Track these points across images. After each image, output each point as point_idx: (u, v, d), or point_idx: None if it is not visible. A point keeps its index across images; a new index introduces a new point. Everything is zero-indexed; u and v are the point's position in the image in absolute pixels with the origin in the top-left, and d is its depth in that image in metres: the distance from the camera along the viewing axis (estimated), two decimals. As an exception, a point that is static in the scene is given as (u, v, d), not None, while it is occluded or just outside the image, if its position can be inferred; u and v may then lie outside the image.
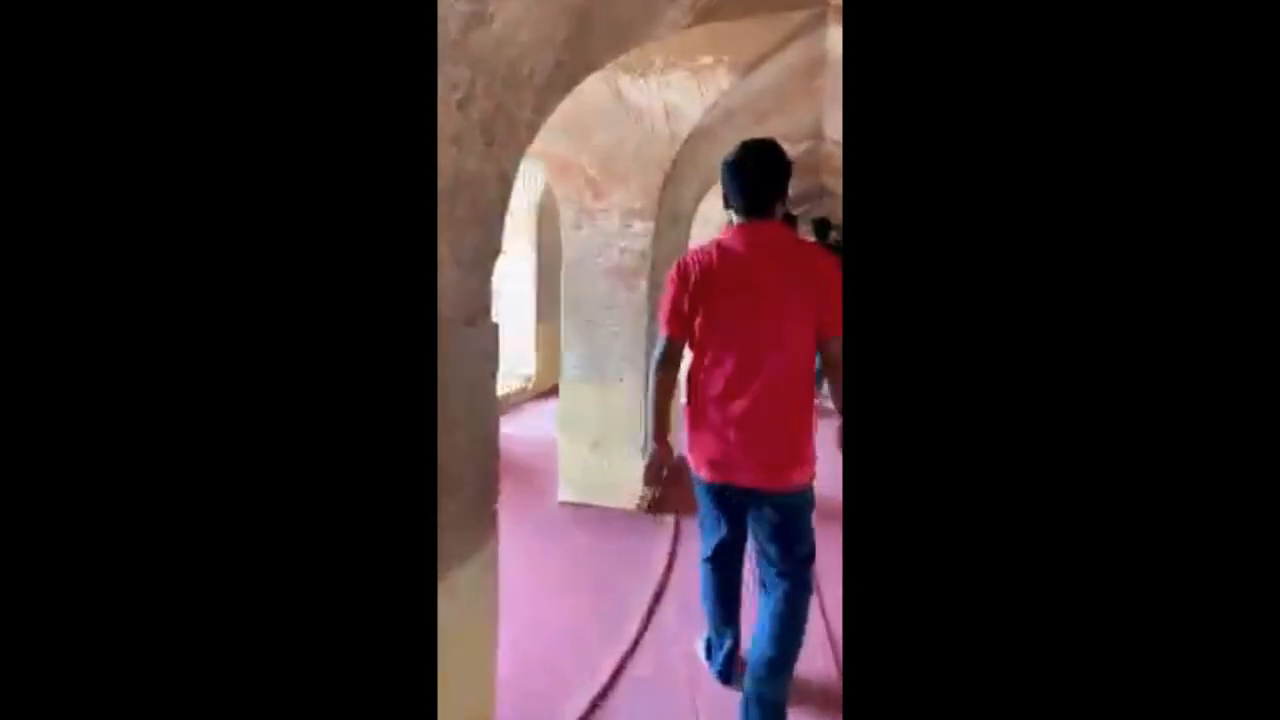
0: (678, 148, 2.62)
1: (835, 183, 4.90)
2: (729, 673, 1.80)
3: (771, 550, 1.58)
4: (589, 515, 2.94)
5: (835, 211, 6.87)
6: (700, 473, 1.59)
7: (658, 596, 2.34)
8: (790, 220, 5.08)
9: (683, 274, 1.54)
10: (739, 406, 1.49)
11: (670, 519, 2.94)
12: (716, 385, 1.51)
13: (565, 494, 3.07)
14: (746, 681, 1.60)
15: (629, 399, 2.95)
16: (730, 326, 1.50)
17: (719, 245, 1.54)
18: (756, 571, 1.68)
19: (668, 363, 1.60)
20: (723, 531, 1.68)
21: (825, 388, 1.72)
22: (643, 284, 2.88)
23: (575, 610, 2.23)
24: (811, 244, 1.68)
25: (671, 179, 2.77)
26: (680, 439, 1.72)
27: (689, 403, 1.59)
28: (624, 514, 2.98)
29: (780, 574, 1.58)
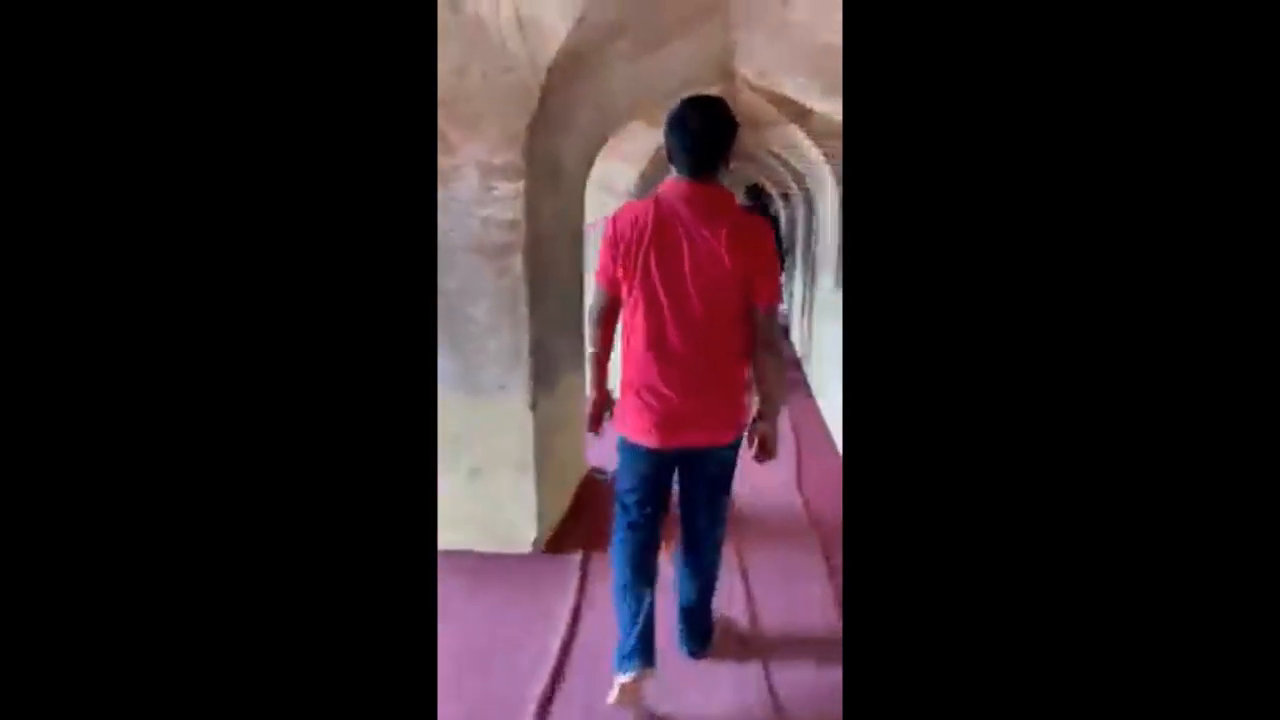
0: (542, 78, 1.96)
1: (755, 138, 4.32)
2: (647, 648, 1.59)
3: (701, 504, 1.65)
4: (468, 566, 2.28)
5: (762, 176, 6.41)
6: (636, 437, 1.56)
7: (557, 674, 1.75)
8: (755, 194, 4.90)
9: (616, 228, 1.50)
10: (670, 368, 1.48)
11: (575, 558, 2.33)
12: (649, 344, 1.49)
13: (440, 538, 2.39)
14: (680, 615, 1.80)
15: (514, 413, 2.29)
16: (665, 283, 1.46)
17: (656, 200, 1.49)
18: (679, 545, 1.74)
19: (603, 316, 1.60)
20: (650, 496, 1.63)
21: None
22: (516, 264, 2.21)
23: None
24: (752, 215, 1.61)
25: (542, 123, 2.10)
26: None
27: (623, 364, 1.56)
28: (514, 560, 2.34)
29: (706, 528, 1.68)
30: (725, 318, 1.47)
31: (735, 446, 1.61)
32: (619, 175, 4.24)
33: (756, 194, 5.11)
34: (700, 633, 1.81)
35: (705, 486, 1.64)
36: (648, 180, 4.31)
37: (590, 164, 2.89)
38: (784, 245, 6.12)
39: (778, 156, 5.07)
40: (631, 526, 1.65)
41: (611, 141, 3.21)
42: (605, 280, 1.55)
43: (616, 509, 1.69)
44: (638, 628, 1.58)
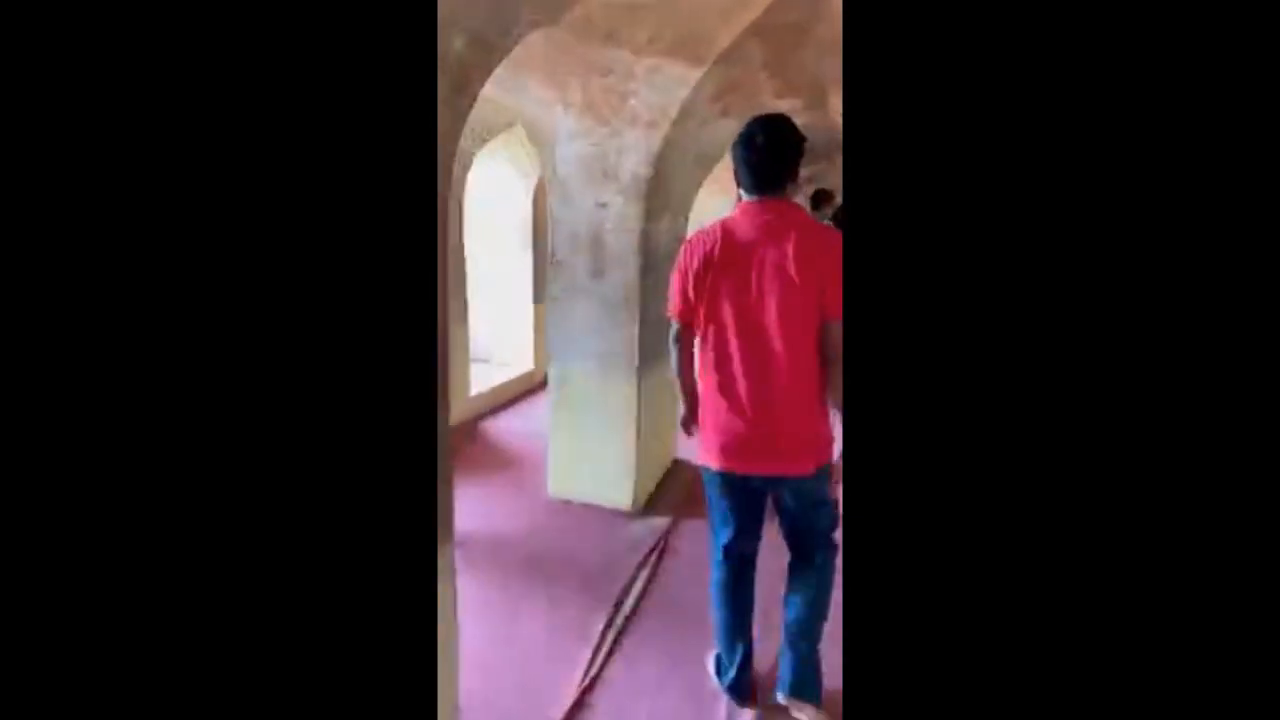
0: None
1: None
2: (743, 690, 1.69)
3: (796, 531, 1.59)
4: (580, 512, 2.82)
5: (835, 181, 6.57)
6: (710, 462, 1.55)
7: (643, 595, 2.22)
8: (822, 198, 4.61)
9: (686, 255, 1.51)
10: (748, 392, 1.45)
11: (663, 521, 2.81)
12: (723, 371, 1.48)
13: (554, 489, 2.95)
14: (782, 634, 1.65)
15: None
16: (734, 309, 1.45)
17: (723, 225, 1.48)
18: (787, 567, 1.66)
19: (681, 345, 1.59)
20: (734, 525, 1.61)
21: None
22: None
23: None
24: (820, 224, 1.54)
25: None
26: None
27: (702, 394, 1.56)
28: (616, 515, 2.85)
29: (807, 547, 1.59)
30: (797, 338, 1.41)
31: (819, 478, 1.49)
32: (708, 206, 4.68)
33: (821, 201, 4.74)
34: (796, 674, 1.63)
35: (789, 518, 1.57)
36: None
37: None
38: None
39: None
40: (718, 557, 1.66)
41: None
42: (676, 310, 1.54)
43: (711, 539, 1.69)
44: (732, 674, 1.68)
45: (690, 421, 1.66)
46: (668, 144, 2.53)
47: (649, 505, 2.97)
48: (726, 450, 1.50)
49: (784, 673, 1.65)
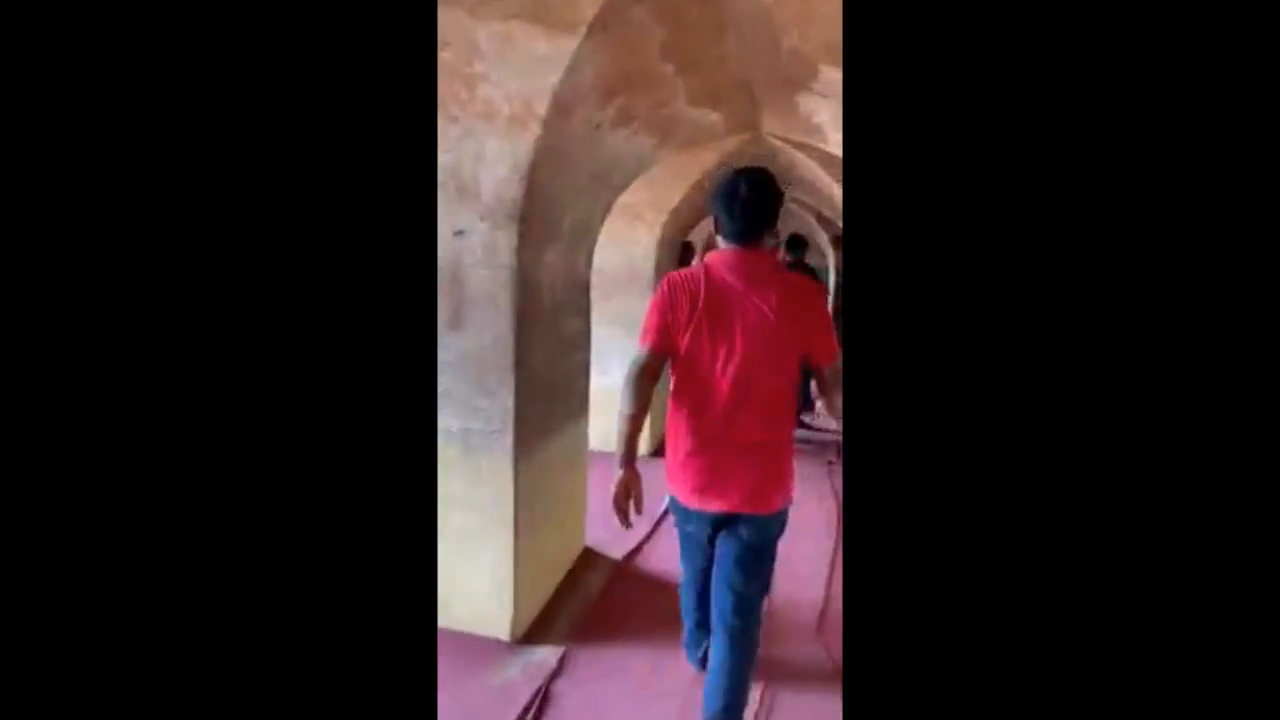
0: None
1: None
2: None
3: (735, 574, 1.58)
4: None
5: (802, 227, 6.24)
6: (681, 498, 1.60)
7: None
8: (797, 244, 4.49)
9: (670, 290, 1.52)
10: (721, 432, 1.49)
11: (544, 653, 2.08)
12: (699, 408, 1.51)
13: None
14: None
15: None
16: (716, 351, 1.48)
17: (706, 268, 1.52)
18: (713, 606, 1.65)
19: (644, 376, 1.55)
20: (702, 558, 1.69)
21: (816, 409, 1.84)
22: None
23: None
24: (797, 275, 1.63)
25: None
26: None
27: (670, 428, 1.59)
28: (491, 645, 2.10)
29: (735, 605, 1.59)
30: (775, 384, 1.48)
31: (777, 518, 1.57)
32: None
33: (798, 245, 4.66)
34: None
35: (738, 551, 1.58)
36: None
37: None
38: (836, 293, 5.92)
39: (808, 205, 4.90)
40: (688, 579, 1.79)
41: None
42: (653, 342, 1.54)
43: (680, 560, 1.81)
44: (700, 655, 1.86)
45: (623, 507, 1.58)
46: (545, 152, 1.92)
47: (536, 630, 2.23)
48: (697, 486, 1.54)
49: None
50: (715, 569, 1.62)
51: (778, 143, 3.23)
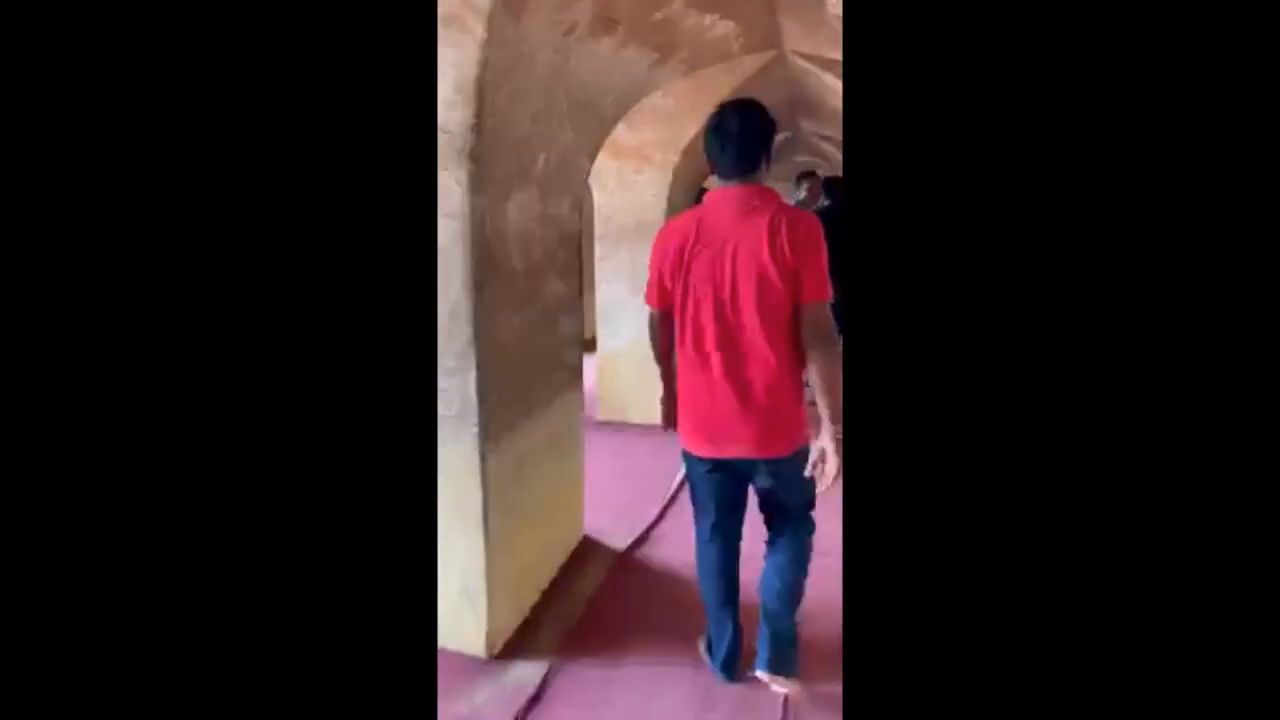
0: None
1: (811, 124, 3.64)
2: (733, 667, 1.73)
3: (772, 508, 1.62)
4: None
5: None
6: (690, 448, 1.57)
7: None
8: (833, 187, 4.01)
9: (662, 240, 1.52)
10: (722, 376, 1.46)
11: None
12: (699, 356, 1.48)
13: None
14: (760, 615, 1.66)
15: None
16: (709, 294, 1.44)
17: (699, 210, 1.49)
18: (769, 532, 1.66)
19: (656, 333, 1.61)
20: (716, 508, 1.63)
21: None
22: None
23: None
24: (792, 207, 1.49)
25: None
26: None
27: (679, 379, 1.57)
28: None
29: (781, 522, 1.61)
30: (771, 322, 1.41)
31: (795, 459, 1.49)
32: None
33: (834, 188, 4.10)
34: (773, 649, 1.65)
35: (767, 497, 1.60)
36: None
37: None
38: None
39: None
40: (704, 538, 1.68)
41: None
42: (653, 297, 1.56)
43: (695, 523, 1.72)
44: (723, 652, 1.72)
45: (669, 414, 1.68)
46: (499, 65, 1.50)
47: (517, 641, 1.93)
48: (705, 434, 1.52)
49: (761, 648, 1.68)
50: (762, 512, 1.64)
51: (805, 64, 2.73)
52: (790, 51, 2.61)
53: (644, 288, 1.63)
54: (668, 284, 1.49)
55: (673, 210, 3.62)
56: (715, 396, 1.46)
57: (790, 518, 1.59)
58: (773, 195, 1.45)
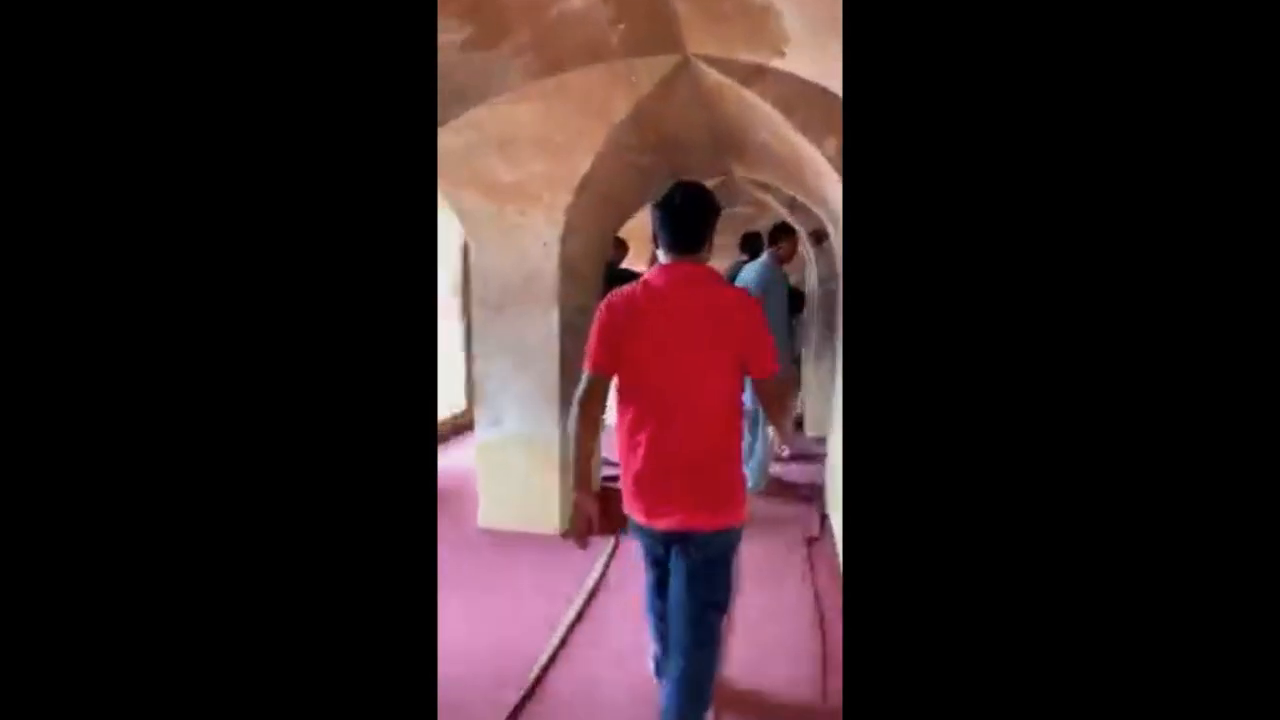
0: None
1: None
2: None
3: (687, 593, 1.53)
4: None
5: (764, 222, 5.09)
6: (632, 514, 1.57)
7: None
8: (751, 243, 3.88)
9: (609, 311, 1.51)
10: (662, 448, 1.47)
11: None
12: (641, 426, 1.48)
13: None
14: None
15: None
16: (654, 366, 1.46)
17: (645, 283, 1.51)
18: (670, 623, 1.61)
19: (590, 399, 1.54)
20: (657, 570, 1.66)
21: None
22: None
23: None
24: (733, 287, 1.74)
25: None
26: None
27: (619, 447, 1.56)
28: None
29: (689, 624, 1.53)
30: (712, 396, 1.46)
31: (729, 533, 1.51)
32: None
33: (752, 244, 3.94)
34: None
35: (687, 569, 1.52)
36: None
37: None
38: (800, 298, 4.73)
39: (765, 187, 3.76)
40: (650, 586, 1.73)
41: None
42: (593, 364, 1.52)
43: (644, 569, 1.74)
44: (666, 689, 1.65)
45: (584, 528, 1.56)
46: None
47: None
48: (643, 504, 1.52)
49: None
50: (671, 587, 1.57)
51: (718, 75, 2.10)
52: (695, 56, 1.97)
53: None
54: (610, 353, 1.49)
55: (569, 265, 2.91)
56: (656, 468, 1.46)
57: (695, 621, 1.52)
58: (715, 275, 1.57)
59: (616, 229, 3.49)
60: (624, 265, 4.05)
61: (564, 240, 2.79)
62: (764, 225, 4.83)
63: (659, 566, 1.63)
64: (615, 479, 1.60)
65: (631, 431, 1.49)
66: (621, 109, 2.33)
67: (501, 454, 3.00)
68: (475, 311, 2.93)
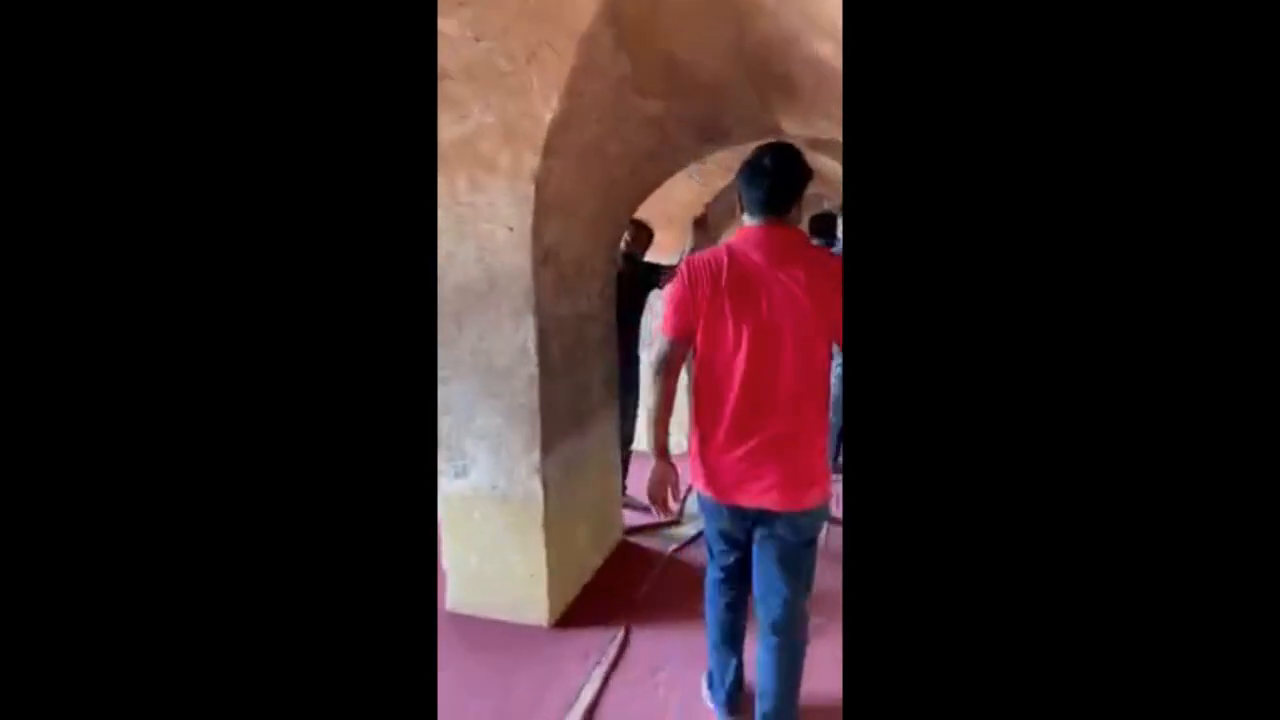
0: None
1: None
2: (734, 703, 1.72)
3: (777, 577, 1.50)
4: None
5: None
6: (707, 491, 1.51)
7: None
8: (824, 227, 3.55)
9: (691, 274, 1.45)
10: (748, 422, 1.41)
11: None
12: (725, 396, 1.43)
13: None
14: (758, 694, 1.59)
15: None
16: (739, 335, 1.40)
17: (729, 248, 1.45)
18: (756, 610, 1.59)
19: (668, 366, 1.51)
20: (730, 555, 1.60)
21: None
22: None
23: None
24: (823, 249, 1.64)
25: None
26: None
27: (694, 417, 1.52)
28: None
29: (781, 605, 1.50)
30: (806, 366, 1.39)
31: (817, 515, 1.47)
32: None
33: (826, 228, 3.52)
34: None
35: (777, 552, 1.48)
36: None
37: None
38: None
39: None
40: (714, 579, 1.65)
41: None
42: (674, 329, 1.47)
43: (708, 558, 1.69)
44: (725, 691, 1.70)
45: (663, 496, 1.55)
46: None
47: None
48: (724, 480, 1.46)
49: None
50: (755, 571, 1.54)
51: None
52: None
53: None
54: (689, 319, 1.44)
55: (549, 258, 2.11)
56: (739, 442, 1.41)
57: (786, 603, 1.48)
58: (804, 238, 1.51)
59: (627, 209, 2.66)
60: (649, 258, 3.22)
61: (538, 222, 2.00)
62: (833, 206, 3.93)
63: (735, 550, 1.58)
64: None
65: (712, 402, 1.44)
66: (587, 11, 1.52)
67: (469, 515, 2.23)
68: (440, 323, 2.18)
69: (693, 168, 3.01)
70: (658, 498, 1.54)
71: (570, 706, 1.81)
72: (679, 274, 1.47)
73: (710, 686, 1.76)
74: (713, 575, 1.65)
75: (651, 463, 1.55)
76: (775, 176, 1.41)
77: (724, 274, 1.39)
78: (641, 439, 2.28)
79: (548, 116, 1.77)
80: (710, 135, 2.53)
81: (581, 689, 1.88)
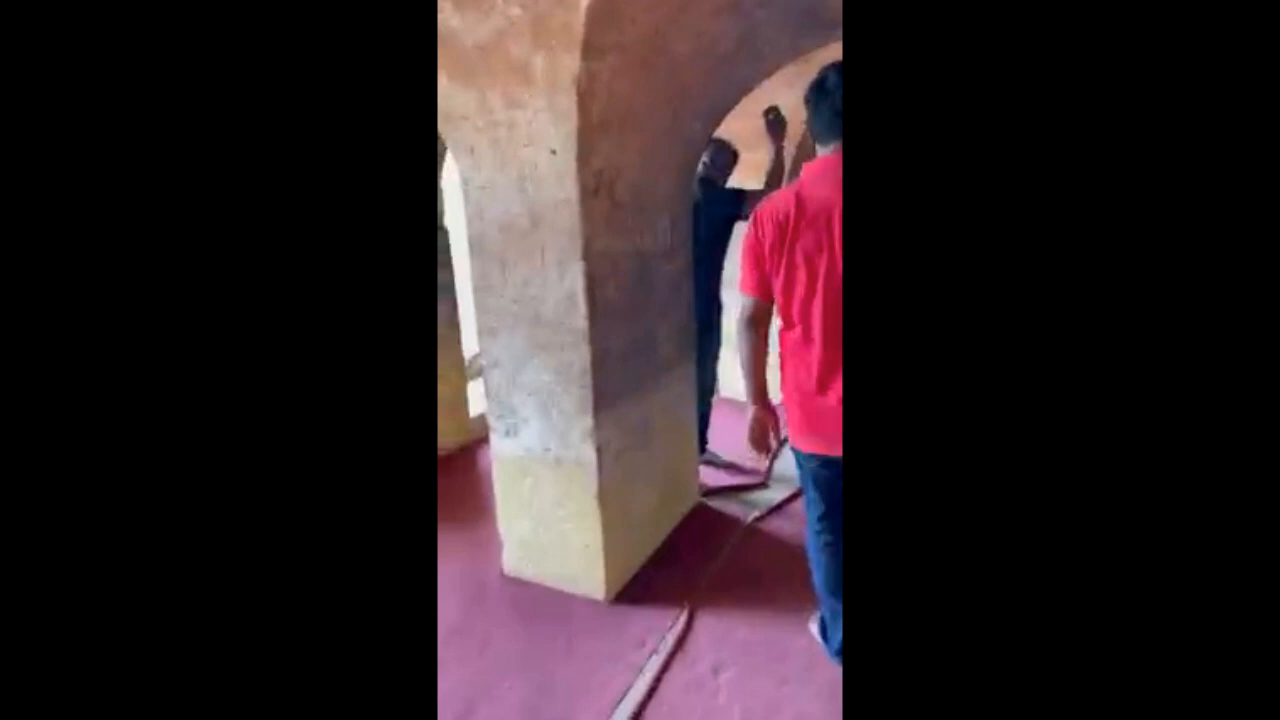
0: None
1: None
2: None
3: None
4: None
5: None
6: (796, 443, 1.51)
7: None
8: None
9: (759, 228, 1.42)
10: (830, 369, 1.37)
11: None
12: (806, 345, 1.40)
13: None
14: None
15: None
16: (812, 278, 1.35)
17: (798, 192, 1.37)
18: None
19: (754, 322, 1.51)
20: (823, 502, 1.56)
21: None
22: None
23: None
24: None
25: None
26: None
27: (782, 366, 1.48)
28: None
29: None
30: None
31: None
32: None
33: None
34: None
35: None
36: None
37: None
38: None
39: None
40: (814, 529, 1.62)
41: None
42: (753, 288, 1.46)
43: (805, 506, 1.68)
44: (838, 641, 1.64)
45: (762, 439, 1.58)
46: None
47: None
48: (811, 429, 1.44)
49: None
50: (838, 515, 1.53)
51: None
52: None
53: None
54: (768, 269, 1.41)
55: (601, 186, 1.77)
56: (822, 390, 1.38)
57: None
58: None
59: (704, 125, 2.23)
60: (733, 183, 2.79)
61: (584, 143, 1.66)
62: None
63: (825, 496, 1.52)
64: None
65: (791, 349, 1.42)
66: None
67: (521, 478, 2.03)
68: (472, 263, 1.93)
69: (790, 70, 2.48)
70: (760, 443, 1.57)
71: (616, 705, 1.61)
72: (750, 228, 1.42)
73: (822, 632, 1.76)
74: (810, 525, 1.63)
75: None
76: (839, 99, 1.30)
77: (791, 222, 1.34)
78: (723, 387, 2.04)
79: (583, 2, 1.40)
80: (810, 26, 2.03)
81: (631, 686, 1.67)
